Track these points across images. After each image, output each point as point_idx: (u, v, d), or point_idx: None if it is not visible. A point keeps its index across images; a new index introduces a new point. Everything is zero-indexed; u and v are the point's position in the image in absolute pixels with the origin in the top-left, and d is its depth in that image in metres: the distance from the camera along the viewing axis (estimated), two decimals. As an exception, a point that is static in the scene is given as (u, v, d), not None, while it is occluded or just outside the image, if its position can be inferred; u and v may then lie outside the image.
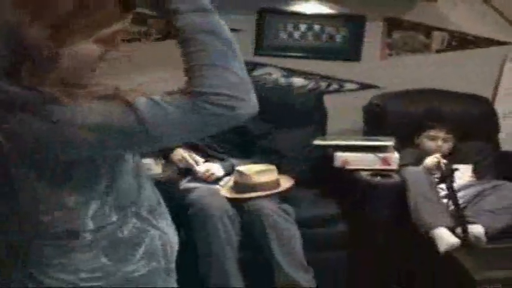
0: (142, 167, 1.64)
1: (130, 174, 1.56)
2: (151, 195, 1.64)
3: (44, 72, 1.35)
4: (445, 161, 3.98)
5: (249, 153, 4.26)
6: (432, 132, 4.43)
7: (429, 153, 4.26)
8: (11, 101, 1.33)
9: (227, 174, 4.06)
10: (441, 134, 4.41)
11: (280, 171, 4.04)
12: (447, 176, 3.81)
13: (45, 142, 1.34)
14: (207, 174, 3.99)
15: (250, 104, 1.46)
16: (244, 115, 1.45)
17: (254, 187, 3.82)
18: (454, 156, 4.30)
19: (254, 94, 1.48)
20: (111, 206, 1.51)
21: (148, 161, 3.78)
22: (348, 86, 4.99)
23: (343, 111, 4.84)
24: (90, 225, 1.48)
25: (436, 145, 4.38)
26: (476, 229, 3.64)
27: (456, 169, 3.88)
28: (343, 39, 4.90)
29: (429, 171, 4.03)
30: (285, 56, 4.90)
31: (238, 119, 1.44)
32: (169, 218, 1.70)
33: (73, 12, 1.35)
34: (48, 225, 1.46)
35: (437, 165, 3.98)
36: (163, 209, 1.69)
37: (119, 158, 1.52)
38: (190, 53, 1.42)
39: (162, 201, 1.69)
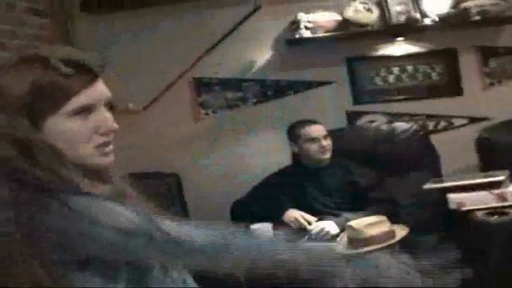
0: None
1: None
2: None
3: (44, 154, 1.44)
4: None
5: (362, 205, 4.19)
6: None
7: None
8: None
9: (342, 230, 4.01)
10: None
11: (397, 219, 3.96)
12: None
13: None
14: (322, 234, 3.96)
15: None
16: None
17: (367, 240, 3.76)
18: None
19: None
20: None
21: (260, 226, 3.81)
22: (457, 122, 4.90)
23: (456, 148, 4.75)
24: None
25: None
26: None
27: None
28: (439, 75, 4.82)
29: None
30: (384, 101, 4.87)
31: None
32: None
33: (29, 92, 1.44)
34: None
35: None
36: None
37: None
38: None
39: None
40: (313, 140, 4.25)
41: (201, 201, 4.65)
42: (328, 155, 4.27)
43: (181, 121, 4.87)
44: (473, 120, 4.86)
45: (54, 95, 1.46)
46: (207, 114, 4.89)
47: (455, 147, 4.74)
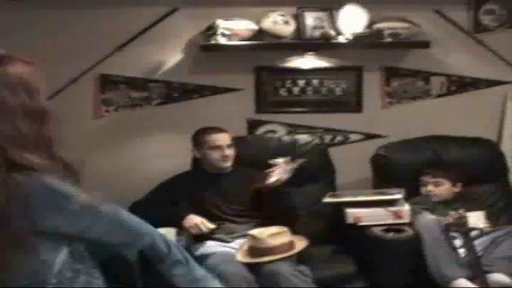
0: None
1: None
2: None
3: None
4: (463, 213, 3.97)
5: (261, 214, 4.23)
6: (423, 178, 4.48)
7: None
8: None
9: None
10: (429, 179, 4.44)
11: (294, 230, 4.02)
12: (462, 226, 3.80)
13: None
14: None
15: None
16: None
17: (268, 250, 3.80)
18: (465, 202, 4.30)
19: None
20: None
21: (162, 231, 3.78)
22: (353, 137, 5.03)
23: (350, 163, 4.84)
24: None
25: (426, 190, 4.43)
26: (499, 277, 3.63)
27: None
28: (343, 91, 4.93)
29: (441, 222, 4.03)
30: (286, 112, 4.94)
31: None
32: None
33: None
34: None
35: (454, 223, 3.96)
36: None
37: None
38: None
39: None
40: (216, 147, 4.27)
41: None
42: (228, 164, 4.30)
43: (81, 116, 4.75)
44: (369, 136, 5.01)
45: None
46: (107, 111, 4.80)
47: (350, 162, 4.85)
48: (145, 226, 2.04)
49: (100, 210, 1.85)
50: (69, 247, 1.82)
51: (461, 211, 3.85)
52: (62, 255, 1.79)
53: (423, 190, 4.45)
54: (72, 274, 1.82)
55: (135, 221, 2.01)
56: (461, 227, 3.82)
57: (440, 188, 4.40)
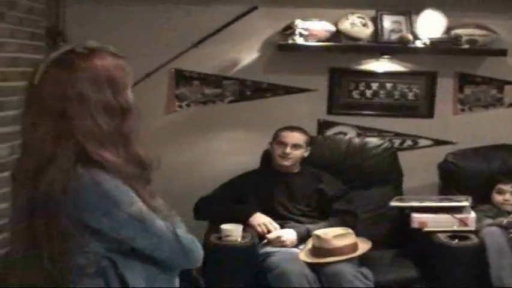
0: None
1: None
2: None
3: None
4: None
5: (326, 215, 4.27)
6: (500, 186, 4.44)
7: (501, 208, 4.32)
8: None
9: (301, 240, 4.09)
10: (508, 188, 4.40)
11: (357, 232, 4.06)
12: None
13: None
14: (277, 240, 4.04)
15: None
16: None
17: (332, 251, 3.84)
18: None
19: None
20: None
21: (228, 227, 3.88)
22: (422, 142, 5.02)
23: (418, 168, 4.85)
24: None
25: (503, 198, 4.39)
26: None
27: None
28: (416, 96, 4.94)
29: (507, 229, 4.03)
30: (357, 115, 4.97)
31: None
32: None
33: None
34: None
35: None
36: None
37: None
38: None
39: None
40: (282, 143, 4.33)
41: (162, 193, 4.61)
42: (287, 163, 4.34)
43: (155, 110, 4.85)
44: (438, 142, 4.99)
45: None
46: (180, 107, 4.90)
47: (418, 167, 4.86)
48: (195, 246, 1.94)
49: (150, 225, 1.81)
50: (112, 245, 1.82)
51: None
52: (102, 252, 1.80)
53: (497, 198, 4.42)
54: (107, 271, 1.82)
55: (189, 240, 1.92)
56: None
57: None
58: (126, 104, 1.84)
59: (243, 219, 4.07)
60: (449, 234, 4.02)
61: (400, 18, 4.77)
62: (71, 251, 1.75)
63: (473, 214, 4.12)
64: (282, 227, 4.16)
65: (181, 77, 4.86)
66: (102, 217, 1.75)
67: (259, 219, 4.13)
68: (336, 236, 3.89)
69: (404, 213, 4.27)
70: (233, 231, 3.86)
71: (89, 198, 1.73)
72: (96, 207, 1.74)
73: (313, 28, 4.61)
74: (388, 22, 4.75)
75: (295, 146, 4.34)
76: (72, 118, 1.75)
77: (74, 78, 1.76)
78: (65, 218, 1.72)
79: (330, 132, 4.96)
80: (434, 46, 4.65)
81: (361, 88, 4.91)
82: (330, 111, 4.95)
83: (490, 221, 4.20)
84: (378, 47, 4.78)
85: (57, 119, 1.75)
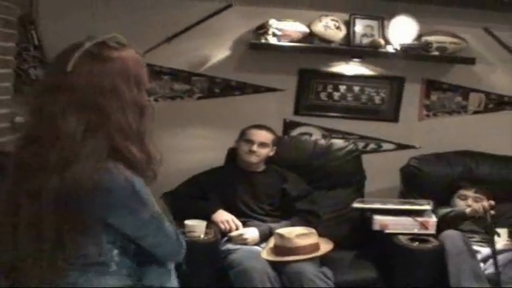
0: None
1: None
2: None
3: None
4: (492, 212, 4.06)
5: (289, 214, 4.30)
6: (462, 191, 4.51)
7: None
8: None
9: (264, 238, 4.12)
10: (471, 193, 4.48)
11: (319, 232, 4.09)
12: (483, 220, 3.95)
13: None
14: (239, 238, 4.07)
15: None
16: None
17: (294, 250, 3.87)
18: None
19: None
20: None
21: (191, 223, 3.89)
22: (386, 146, 5.09)
23: (381, 171, 4.91)
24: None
25: (466, 204, 4.45)
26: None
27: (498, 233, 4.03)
28: (382, 100, 4.99)
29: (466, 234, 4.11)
30: (323, 116, 5.00)
31: None
32: None
33: None
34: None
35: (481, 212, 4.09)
36: None
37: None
38: None
39: None
40: (248, 141, 4.36)
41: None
42: (253, 160, 4.37)
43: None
44: (401, 146, 5.07)
45: None
46: (148, 101, 4.84)
47: (380, 170, 4.91)
48: (184, 242, 2.03)
49: (163, 225, 1.89)
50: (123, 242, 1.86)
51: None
52: (116, 249, 1.84)
53: (459, 203, 4.48)
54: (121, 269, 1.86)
55: (183, 237, 2.02)
56: (483, 220, 4.04)
57: (479, 203, 4.37)
58: (146, 102, 1.87)
59: (206, 215, 4.09)
60: (409, 236, 4.07)
61: (373, 22, 4.82)
62: (79, 242, 1.75)
63: (434, 218, 4.19)
64: (244, 225, 4.18)
65: (151, 72, 4.80)
66: (127, 216, 1.79)
67: (222, 216, 4.15)
68: (299, 235, 3.91)
69: (366, 215, 4.32)
70: (196, 227, 3.87)
71: (121, 197, 1.75)
72: (124, 206, 1.77)
73: (287, 29, 4.62)
74: (360, 26, 4.80)
75: (262, 145, 4.37)
76: (105, 111, 1.74)
77: (107, 71, 1.77)
78: (85, 212, 1.72)
79: (295, 132, 5.00)
80: (405, 52, 4.72)
81: (329, 90, 4.95)
82: (296, 112, 4.98)
83: (449, 209, 4.32)
84: (349, 50, 4.82)
85: (90, 111, 1.73)
